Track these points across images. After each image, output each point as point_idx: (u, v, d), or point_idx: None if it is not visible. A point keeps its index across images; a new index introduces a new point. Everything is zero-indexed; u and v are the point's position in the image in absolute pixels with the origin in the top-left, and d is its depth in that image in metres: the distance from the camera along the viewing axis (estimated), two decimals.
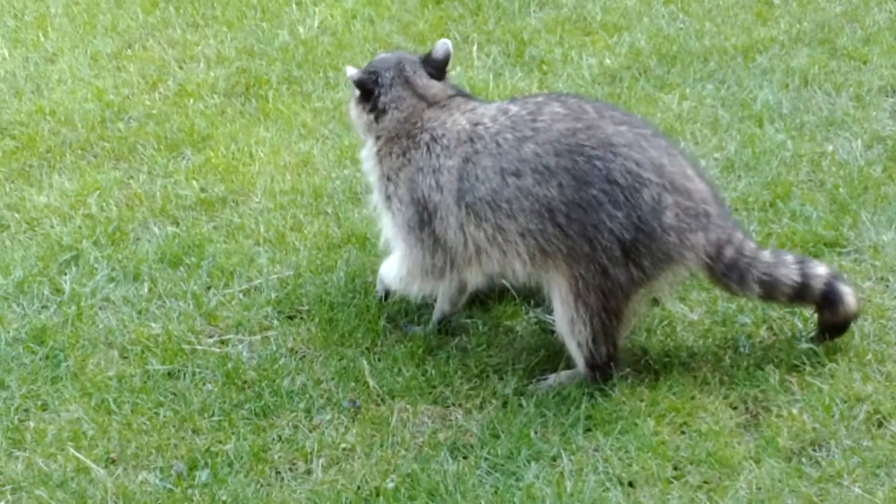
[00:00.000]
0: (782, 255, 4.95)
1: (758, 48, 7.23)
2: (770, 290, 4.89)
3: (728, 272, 4.86)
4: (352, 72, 5.19)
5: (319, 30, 7.61)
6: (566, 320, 4.84)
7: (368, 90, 5.13)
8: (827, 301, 4.92)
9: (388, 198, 5.05)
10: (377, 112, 5.11)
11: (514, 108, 4.94)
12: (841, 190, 5.90)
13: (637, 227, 4.71)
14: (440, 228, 4.92)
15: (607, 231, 4.70)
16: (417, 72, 5.15)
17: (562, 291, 4.81)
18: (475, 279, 5.04)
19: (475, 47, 7.33)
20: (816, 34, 7.36)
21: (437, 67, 5.19)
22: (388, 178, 5.05)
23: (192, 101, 6.91)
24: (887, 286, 5.34)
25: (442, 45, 5.22)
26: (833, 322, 4.97)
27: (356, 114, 5.22)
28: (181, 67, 7.31)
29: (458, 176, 4.86)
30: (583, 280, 4.76)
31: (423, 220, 4.94)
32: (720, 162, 6.16)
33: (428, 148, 4.95)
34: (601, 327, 4.80)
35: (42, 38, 7.67)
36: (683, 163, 4.90)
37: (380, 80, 5.13)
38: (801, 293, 4.90)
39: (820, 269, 4.93)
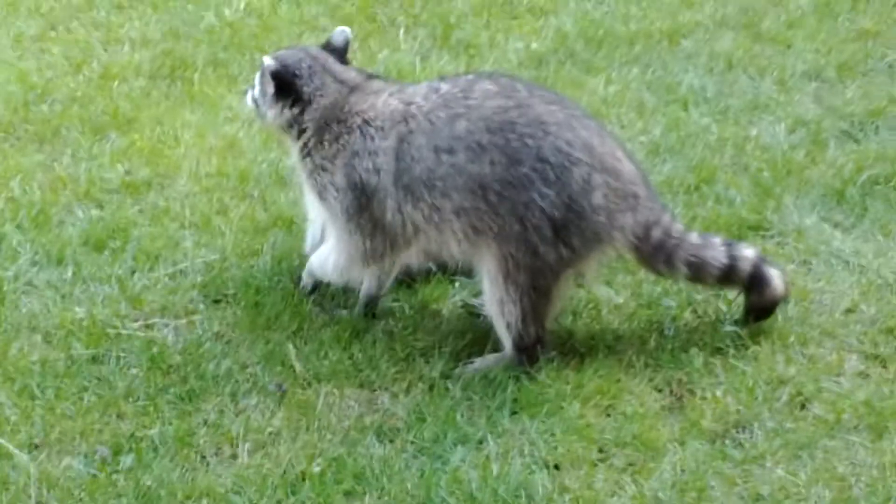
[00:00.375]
0: (710, 238, 4.99)
1: (683, 32, 7.27)
2: (697, 272, 4.92)
3: (655, 253, 4.89)
4: (270, 62, 5.04)
5: (245, 12, 7.55)
6: (495, 300, 4.85)
7: (288, 83, 5.03)
8: (754, 283, 4.96)
9: (323, 188, 4.99)
10: (302, 104, 5.03)
11: (445, 87, 4.93)
12: (764, 174, 5.95)
13: (567, 205, 4.72)
14: (378, 211, 4.89)
15: (538, 209, 4.71)
16: (329, 58, 5.10)
17: (492, 271, 4.81)
18: (413, 260, 5.05)
19: (402, 30, 7.32)
20: (741, 18, 7.41)
21: (338, 55, 5.13)
22: (323, 169, 4.98)
23: (116, 83, 6.83)
24: (810, 269, 5.40)
25: (340, 33, 5.17)
26: (760, 304, 5.02)
27: (274, 113, 5.07)
28: (106, 50, 7.23)
29: (394, 157, 4.84)
30: (512, 259, 4.76)
31: (361, 205, 4.90)
32: (645, 145, 6.19)
33: (361, 131, 4.91)
34: (530, 307, 4.81)
35: None
36: (613, 144, 4.93)
37: (298, 70, 5.05)
38: (728, 275, 4.94)
39: (748, 252, 4.97)
